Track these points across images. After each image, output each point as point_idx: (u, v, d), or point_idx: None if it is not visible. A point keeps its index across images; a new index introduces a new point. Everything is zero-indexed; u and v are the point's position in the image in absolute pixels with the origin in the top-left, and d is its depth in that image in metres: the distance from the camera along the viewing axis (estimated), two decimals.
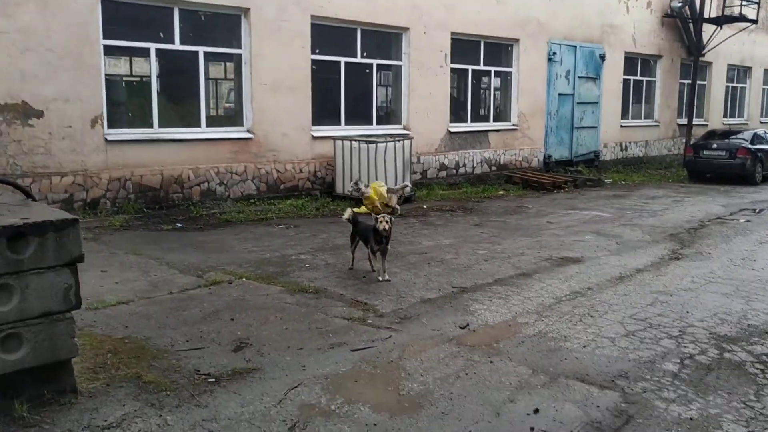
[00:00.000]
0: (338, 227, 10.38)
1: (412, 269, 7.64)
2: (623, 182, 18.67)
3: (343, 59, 14.78)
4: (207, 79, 13.95)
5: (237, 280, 6.89)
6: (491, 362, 4.75)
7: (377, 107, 15.82)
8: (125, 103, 12.60)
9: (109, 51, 11.53)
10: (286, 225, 10.58)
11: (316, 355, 4.81)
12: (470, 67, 17.48)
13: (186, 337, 5.11)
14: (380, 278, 7.09)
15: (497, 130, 18.18)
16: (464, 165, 17.29)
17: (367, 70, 15.49)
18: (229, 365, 4.56)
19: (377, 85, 15.78)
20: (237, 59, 13.33)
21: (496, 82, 18.51)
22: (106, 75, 11.54)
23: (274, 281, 6.94)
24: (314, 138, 14.09)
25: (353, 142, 13.56)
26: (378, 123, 15.67)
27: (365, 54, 15.18)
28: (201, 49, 12.53)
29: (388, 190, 12.49)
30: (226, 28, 13.03)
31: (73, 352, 3.86)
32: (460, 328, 5.55)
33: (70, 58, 10.86)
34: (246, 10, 12.78)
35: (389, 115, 16.46)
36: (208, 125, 12.84)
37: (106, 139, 11.35)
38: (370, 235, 7.09)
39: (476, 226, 10.87)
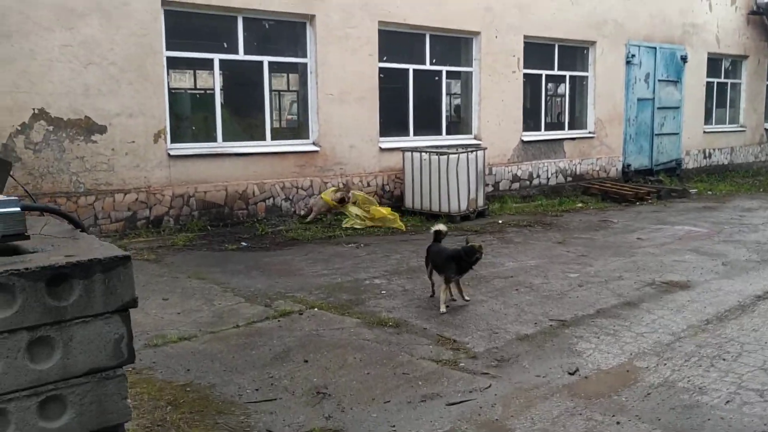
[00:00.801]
0: (411, 246, 9.67)
1: (499, 296, 6.85)
2: (710, 192, 17.37)
3: (411, 66, 14.11)
4: (271, 90, 13.49)
5: (308, 311, 6.24)
6: (617, 423, 3.94)
7: (447, 116, 15.07)
8: (188, 116, 12.21)
9: (172, 63, 11.15)
10: (355, 244, 9.93)
11: (406, 410, 4.09)
12: (544, 72, 16.56)
13: (255, 385, 4.47)
14: (464, 298, 6.58)
15: (573, 139, 17.18)
16: (538, 176, 16.36)
17: (436, 78, 14.78)
18: (307, 424, 3.88)
19: (446, 93, 15.03)
20: (302, 69, 12.81)
21: (570, 87, 17.51)
22: (169, 88, 11.16)
23: (349, 311, 6.27)
24: (382, 150, 13.44)
25: (423, 153, 12.85)
26: (448, 133, 14.93)
27: (434, 61, 14.47)
28: (265, 59, 12.06)
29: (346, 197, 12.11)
30: (290, 36, 12.53)
31: (126, 415, 3.22)
32: (569, 374, 4.75)
33: (133, 71, 10.51)
34: (311, 17, 12.25)
35: (459, 124, 15.68)
36: (273, 138, 12.35)
37: (169, 154, 10.96)
38: (448, 264, 6.35)
39: (560, 244, 9.99)
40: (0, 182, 3.94)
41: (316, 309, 6.29)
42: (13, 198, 3.20)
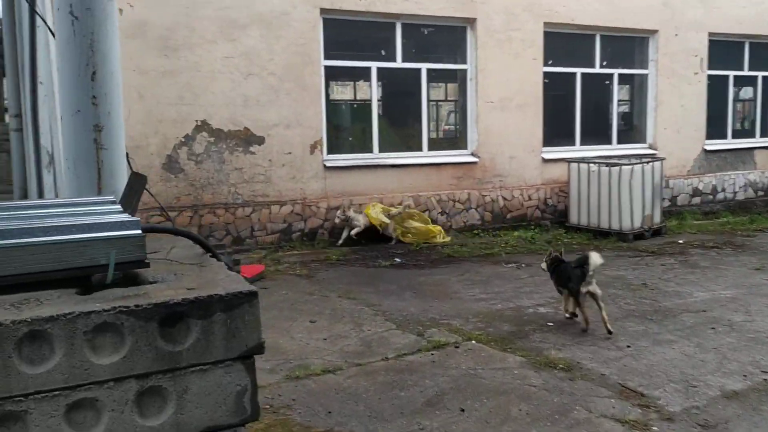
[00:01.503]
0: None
1: (692, 336, 5.79)
2: None
3: (579, 70, 13.04)
4: (429, 98, 12.98)
5: (465, 343, 5.56)
6: None
7: (617, 124, 13.80)
8: (344, 126, 11.99)
9: (329, 72, 10.95)
10: (516, 264, 9.11)
11: None
12: (731, 73, 14.78)
13: None
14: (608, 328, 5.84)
15: (766, 147, 15.19)
16: (723, 190, 14.58)
17: (606, 82, 13.58)
18: None
19: (617, 99, 13.78)
20: (461, 76, 12.18)
21: (764, 89, 15.50)
22: (326, 97, 10.96)
23: (511, 346, 5.51)
24: (545, 161, 12.49)
25: (591, 165, 11.75)
26: (618, 142, 13.65)
27: (604, 63, 13.29)
28: (423, 66, 11.56)
29: (390, 215, 10.77)
30: (450, 42, 11.96)
31: None
32: None
33: (291, 81, 10.40)
34: (472, 21, 11.60)
35: (631, 132, 14.32)
36: (429, 149, 11.82)
37: (324, 166, 10.75)
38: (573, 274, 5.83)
39: (758, 271, 8.57)
40: (135, 197, 3.66)
41: (473, 342, 5.60)
42: (133, 219, 2.81)
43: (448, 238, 10.90)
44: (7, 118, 14.65)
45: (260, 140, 10.31)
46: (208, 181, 10.07)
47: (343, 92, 15.36)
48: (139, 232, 2.75)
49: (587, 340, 5.69)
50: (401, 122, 12.31)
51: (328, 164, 10.78)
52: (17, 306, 2.39)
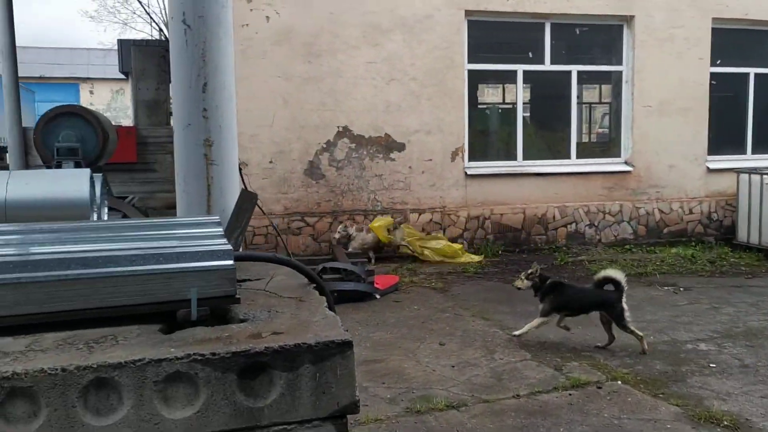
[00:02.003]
0: (748, 295, 7.68)
1: None
2: None
3: (752, 70, 11.68)
4: (579, 103, 12.18)
5: (609, 383, 4.94)
6: None
7: None
8: (487, 132, 11.48)
9: (472, 76, 10.51)
10: (672, 287, 8.21)
11: None
12: None
13: None
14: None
15: None
16: None
17: None
18: None
19: None
20: (615, 78, 11.30)
21: None
22: (468, 102, 10.52)
23: (664, 392, 4.82)
24: (710, 170, 11.30)
25: (764, 176, 10.44)
26: None
27: None
28: (574, 69, 10.83)
29: (391, 229, 9.65)
30: (603, 42, 11.13)
31: None
32: None
33: (433, 86, 10.09)
34: (629, 19, 10.70)
35: None
36: (578, 156, 11.04)
37: (465, 173, 10.34)
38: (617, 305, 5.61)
39: None
40: (245, 217, 3.47)
41: (619, 382, 4.96)
42: (226, 248, 2.57)
43: (476, 258, 9.73)
44: (172, 121, 15.49)
45: (401, 147, 10.09)
46: (348, 187, 9.99)
47: (486, 97, 14.83)
48: (231, 263, 2.51)
49: (757, 390, 4.87)
50: (548, 128, 11.64)
51: (470, 172, 10.35)
52: (90, 346, 2.20)
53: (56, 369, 2.00)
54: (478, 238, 10.40)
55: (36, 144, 12.49)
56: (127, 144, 12.86)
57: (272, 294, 2.80)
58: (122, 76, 24.74)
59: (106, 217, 8.04)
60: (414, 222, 10.17)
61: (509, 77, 11.40)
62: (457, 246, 9.80)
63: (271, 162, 9.71)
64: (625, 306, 5.66)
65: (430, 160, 10.20)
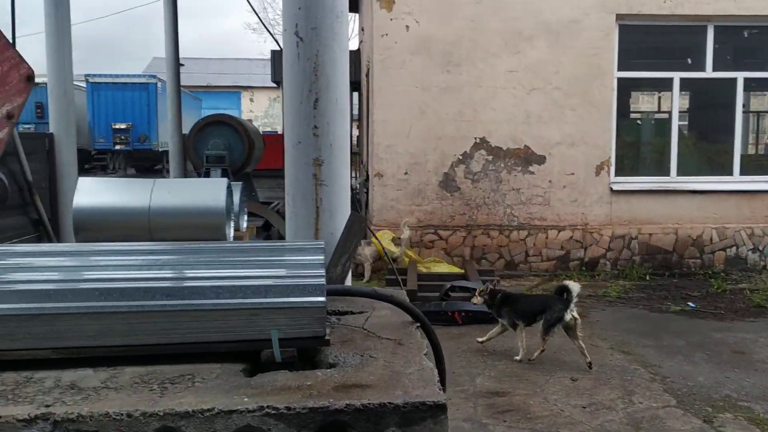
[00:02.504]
0: None
1: None
2: None
3: None
4: (744, 112, 11.03)
5: None
6: None
7: None
8: (637, 145, 10.64)
9: (622, 84, 9.77)
10: None
11: None
12: None
13: None
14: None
15: None
16: None
17: None
18: None
19: None
20: None
21: None
22: (618, 113, 9.80)
23: None
24: None
25: None
26: None
27: None
28: (740, 75, 9.77)
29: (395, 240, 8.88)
30: None
31: None
32: None
33: (578, 95, 9.49)
34: None
35: None
36: (742, 172, 9.95)
37: (611, 189, 9.63)
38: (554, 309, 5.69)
39: None
40: (353, 242, 3.24)
41: None
42: (317, 282, 2.34)
43: None
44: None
45: (540, 159, 9.58)
46: (483, 200, 9.62)
47: (637, 107, 13.84)
48: (321, 300, 2.28)
49: None
50: (707, 139, 10.66)
51: (616, 187, 9.63)
52: (164, 387, 2.03)
53: (122, 414, 1.86)
54: (623, 259, 9.65)
55: (188, 151, 13.17)
56: (276, 151, 13.25)
57: (370, 334, 2.54)
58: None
59: (245, 224, 8.24)
60: (553, 239, 9.61)
61: (664, 85, 10.52)
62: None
63: (406, 173, 9.54)
64: (574, 315, 5.74)
65: (572, 174, 9.60)
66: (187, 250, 2.88)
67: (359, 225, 3.12)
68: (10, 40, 3.77)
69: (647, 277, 9.33)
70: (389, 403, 1.96)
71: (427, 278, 8.27)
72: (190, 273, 2.59)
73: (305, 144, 3.12)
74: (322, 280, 2.32)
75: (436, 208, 9.60)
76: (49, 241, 8.61)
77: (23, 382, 2.06)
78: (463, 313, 7.00)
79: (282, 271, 2.60)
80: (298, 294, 2.28)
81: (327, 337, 2.25)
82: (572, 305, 5.73)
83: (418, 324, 2.64)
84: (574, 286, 5.84)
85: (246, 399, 1.93)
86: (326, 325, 2.26)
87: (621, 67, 9.60)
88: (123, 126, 28.66)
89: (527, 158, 9.59)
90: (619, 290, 8.63)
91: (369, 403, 1.96)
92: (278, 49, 21.26)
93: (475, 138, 9.55)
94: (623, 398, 4.96)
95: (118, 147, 28.86)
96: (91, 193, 7.60)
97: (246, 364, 2.24)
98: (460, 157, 9.57)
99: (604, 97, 9.54)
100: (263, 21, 14.12)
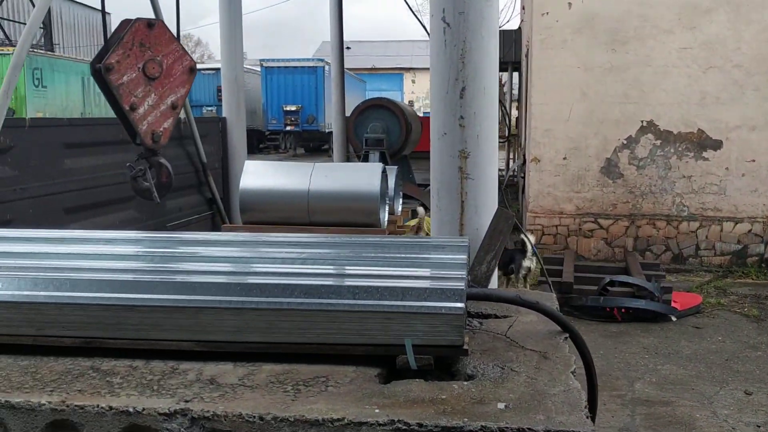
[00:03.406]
0: None
1: None
2: None
3: None
4: None
5: None
6: None
7: None
8: None
9: None
10: None
11: None
12: None
13: None
14: None
15: None
16: None
17: None
18: None
19: None
20: None
21: None
22: None
23: None
24: None
25: None
26: None
27: None
28: None
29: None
30: None
31: None
32: None
33: (761, 74, 8.57)
34: None
35: None
36: None
37: None
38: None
39: None
40: (501, 237, 3.04)
41: None
42: (457, 286, 2.20)
43: None
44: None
45: (716, 144, 8.77)
46: (649, 188, 8.99)
47: None
48: (459, 306, 2.14)
49: None
50: None
51: None
52: (297, 389, 2.00)
53: (254, 417, 1.85)
54: None
55: (349, 134, 13.46)
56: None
57: (513, 343, 2.37)
58: None
59: (399, 207, 8.28)
60: (728, 232, 8.78)
61: None
62: None
63: (564, 158, 9.11)
64: (523, 263, 6.77)
65: (753, 161, 8.70)
66: (327, 243, 2.86)
67: (506, 222, 2.94)
68: (175, 35, 3.98)
69: None
70: (529, 429, 1.79)
71: (584, 270, 7.86)
72: (328, 269, 2.56)
73: (451, 135, 2.98)
74: (462, 284, 2.19)
75: (596, 195, 9.09)
76: (221, 218, 9.15)
77: (169, 373, 2.12)
78: (623, 310, 6.56)
79: (422, 271, 2.49)
80: (436, 298, 2.16)
81: (465, 347, 2.12)
82: (529, 254, 6.83)
83: (567, 335, 2.43)
84: (528, 238, 7.10)
85: (377, 410, 1.85)
86: (465, 332, 2.13)
87: None
88: (293, 108, 30.06)
89: (701, 143, 8.81)
90: None
91: (506, 427, 1.81)
92: None
93: (642, 121, 8.91)
94: None
95: (288, 128, 30.31)
96: (257, 175, 7.94)
97: (381, 369, 2.16)
98: (625, 142, 8.98)
99: None
100: (410, 6, 14.02)
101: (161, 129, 3.58)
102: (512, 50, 14.60)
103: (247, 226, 7.40)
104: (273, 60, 30.66)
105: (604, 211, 9.10)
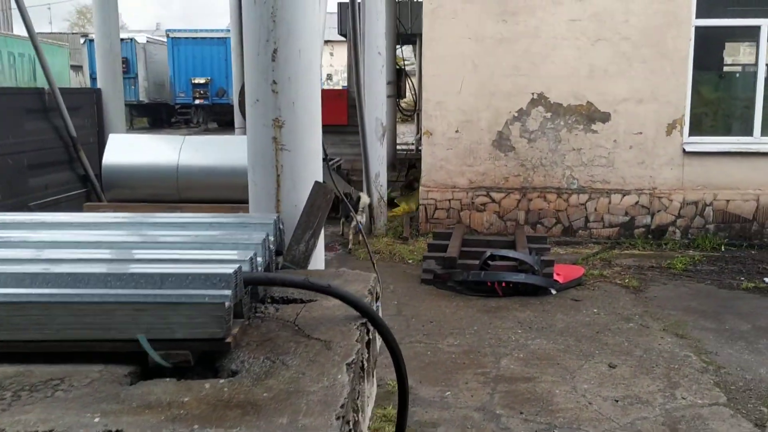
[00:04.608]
0: None
1: None
2: None
3: None
4: None
5: None
6: None
7: None
8: (716, 102, 9.58)
9: (700, 34, 8.79)
10: None
11: None
12: None
13: None
14: None
15: None
16: None
17: None
18: None
19: None
20: None
21: None
22: (694, 66, 8.83)
23: None
24: None
25: None
26: None
27: None
28: None
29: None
30: None
31: None
32: None
33: (649, 47, 8.61)
34: None
35: None
36: None
37: (684, 150, 8.78)
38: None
39: None
40: (319, 213, 2.79)
41: None
42: (224, 269, 1.94)
43: None
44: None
45: (605, 117, 8.81)
46: (540, 161, 8.97)
47: (717, 59, 12.58)
48: (223, 295, 1.87)
49: None
50: None
51: (689, 148, 8.76)
52: (18, 395, 1.69)
53: None
54: (695, 227, 8.83)
55: (240, 106, 12.97)
56: (338, 106, 12.88)
57: (299, 331, 2.13)
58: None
59: None
60: (616, 204, 8.87)
61: (750, 34, 9.44)
62: None
63: (457, 131, 8.97)
64: (354, 217, 7.76)
65: (640, 133, 8.79)
66: (119, 224, 2.54)
67: (324, 197, 2.69)
68: None
69: (722, 248, 8.50)
70: None
71: (472, 244, 7.77)
72: (103, 255, 2.23)
73: (263, 102, 2.69)
74: (230, 269, 1.92)
75: (488, 168, 9.01)
76: (98, 197, 8.59)
77: None
78: (503, 284, 6.49)
79: (203, 254, 2.21)
80: (199, 285, 1.88)
81: (228, 339, 1.86)
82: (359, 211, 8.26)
83: (368, 318, 2.21)
84: (364, 198, 8.53)
85: (97, 419, 1.57)
86: (228, 324, 1.86)
87: (699, 15, 8.61)
88: (202, 81, 28.96)
89: (590, 116, 8.83)
90: (686, 262, 7.88)
91: None
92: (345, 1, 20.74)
93: (533, 94, 8.85)
94: (664, 391, 4.39)
95: (197, 101, 29.20)
96: (122, 150, 7.40)
97: (135, 367, 1.87)
98: (516, 115, 8.90)
99: (680, 48, 8.61)
100: None
101: None
102: (415, 22, 14.38)
103: (112, 205, 6.94)
104: (180, 30, 29.44)
105: (496, 185, 9.04)
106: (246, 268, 2.10)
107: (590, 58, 8.73)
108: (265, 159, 2.73)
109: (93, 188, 8.62)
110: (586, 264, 7.78)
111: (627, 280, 7.15)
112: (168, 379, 1.79)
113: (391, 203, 10.68)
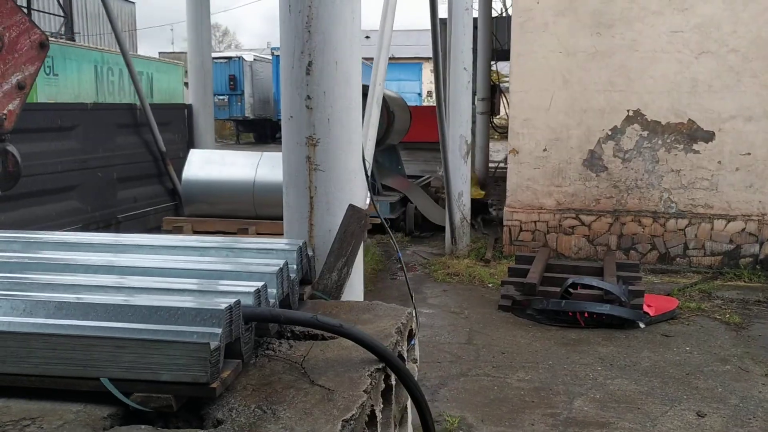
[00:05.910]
0: None
1: None
2: None
3: None
4: None
5: None
6: None
7: None
8: None
9: None
10: None
11: None
12: None
13: None
14: None
15: None
16: None
17: None
18: None
19: None
20: None
21: None
22: None
23: None
24: None
25: None
26: None
27: None
28: None
29: None
30: None
31: None
32: None
33: (760, 59, 7.93)
34: None
35: None
36: None
37: None
38: None
39: None
40: (353, 240, 2.54)
41: None
42: (216, 304, 1.74)
43: None
44: (475, 101, 15.06)
45: (708, 136, 8.16)
46: (635, 183, 8.42)
47: None
48: (215, 334, 1.68)
49: None
50: None
51: None
52: None
53: None
54: None
55: None
56: (432, 123, 12.71)
57: (303, 375, 1.90)
58: None
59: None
60: (720, 231, 8.18)
61: None
62: None
63: (545, 150, 8.56)
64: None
65: (749, 154, 8.08)
66: (136, 247, 2.41)
67: (358, 222, 2.47)
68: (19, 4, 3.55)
69: None
70: None
71: (557, 269, 7.34)
72: (103, 281, 2.10)
73: (297, 119, 2.50)
74: (223, 304, 1.73)
75: (578, 189, 8.54)
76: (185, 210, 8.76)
77: None
78: (585, 315, 6.04)
79: (199, 283, 2.03)
80: (188, 321, 1.70)
81: (214, 385, 1.67)
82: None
83: (386, 363, 1.96)
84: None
85: None
86: (215, 367, 1.66)
87: None
88: None
89: (691, 135, 8.21)
90: None
91: None
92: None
93: (628, 111, 8.33)
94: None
95: None
96: (201, 165, 7.48)
97: (116, 409, 1.71)
98: (609, 133, 8.40)
99: None
100: None
101: (5, 112, 3.15)
102: (504, 36, 14.00)
103: (190, 219, 7.01)
104: None
105: (586, 207, 8.55)
106: (249, 301, 1.91)
107: (693, 73, 8.13)
108: (298, 180, 2.55)
109: (180, 202, 8.80)
110: (682, 295, 7.16)
111: (728, 316, 6.50)
112: (144, 427, 1.61)
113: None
